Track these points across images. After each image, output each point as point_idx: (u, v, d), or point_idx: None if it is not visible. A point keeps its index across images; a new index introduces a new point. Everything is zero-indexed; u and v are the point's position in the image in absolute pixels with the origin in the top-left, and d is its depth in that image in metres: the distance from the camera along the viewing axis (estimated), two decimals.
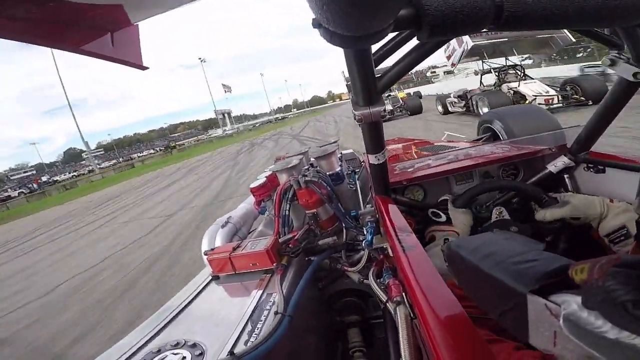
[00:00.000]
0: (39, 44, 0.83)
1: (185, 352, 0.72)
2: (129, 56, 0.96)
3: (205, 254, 1.13)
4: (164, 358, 0.72)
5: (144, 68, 1.01)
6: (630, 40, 0.78)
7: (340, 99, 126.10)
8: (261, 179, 1.51)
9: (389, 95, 19.25)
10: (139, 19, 0.89)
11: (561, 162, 1.25)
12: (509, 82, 8.71)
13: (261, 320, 0.84)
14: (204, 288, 1.05)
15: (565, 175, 1.29)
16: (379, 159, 1.04)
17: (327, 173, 1.43)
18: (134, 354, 0.75)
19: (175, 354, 0.72)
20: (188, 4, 0.87)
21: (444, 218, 1.21)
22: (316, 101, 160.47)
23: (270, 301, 0.92)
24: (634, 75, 0.84)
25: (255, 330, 0.81)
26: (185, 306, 0.95)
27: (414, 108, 12.23)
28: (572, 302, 0.35)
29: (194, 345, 0.75)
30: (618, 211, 0.97)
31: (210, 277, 1.10)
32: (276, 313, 0.85)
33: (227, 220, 1.50)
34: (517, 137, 1.99)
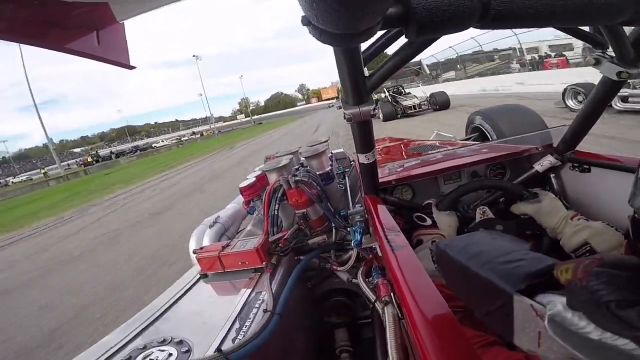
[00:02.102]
0: (24, 43, 0.81)
1: (172, 349, 0.72)
2: (116, 55, 0.93)
3: (194, 253, 1.11)
4: (150, 354, 0.71)
5: (131, 67, 0.99)
6: (614, 38, 0.78)
7: (319, 99, 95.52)
8: (250, 179, 1.50)
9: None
10: (125, 18, 0.87)
11: (547, 161, 1.27)
12: None
13: (250, 318, 0.84)
14: (191, 286, 1.04)
15: (552, 175, 1.30)
16: (368, 159, 1.04)
17: (318, 173, 1.43)
18: (119, 350, 0.74)
19: (161, 351, 0.71)
20: (174, 2, 0.86)
21: (429, 222, 1.22)
22: (282, 103, 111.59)
23: (260, 299, 0.91)
24: (618, 74, 0.83)
25: (243, 328, 0.80)
26: (172, 304, 0.93)
27: (442, 103, 12.10)
28: (557, 303, 0.35)
29: (181, 342, 0.74)
30: (577, 229, 0.98)
31: (198, 276, 1.09)
32: (265, 311, 0.84)
33: (215, 220, 1.49)
34: (504, 137, 2.01)
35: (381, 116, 12.25)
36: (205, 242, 1.33)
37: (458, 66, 22.22)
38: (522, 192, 1.17)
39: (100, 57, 0.90)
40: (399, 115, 12.20)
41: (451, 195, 1.20)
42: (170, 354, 0.70)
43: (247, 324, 0.82)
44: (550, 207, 1.08)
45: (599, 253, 0.92)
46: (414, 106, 12.17)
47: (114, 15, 0.83)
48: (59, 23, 0.79)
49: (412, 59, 0.73)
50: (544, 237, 1.10)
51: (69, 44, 0.83)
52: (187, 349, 0.72)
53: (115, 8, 0.81)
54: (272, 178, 1.42)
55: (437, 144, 2.31)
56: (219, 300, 0.97)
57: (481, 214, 1.19)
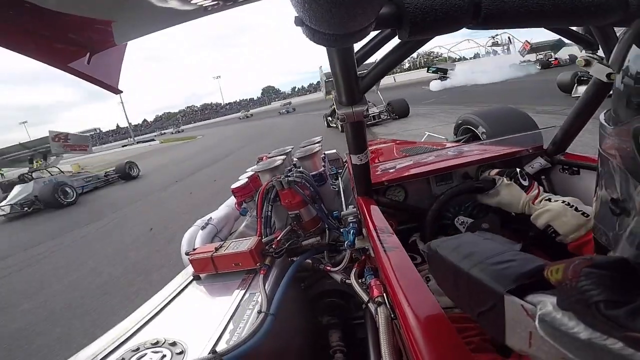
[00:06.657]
0: (21, 53, 0.74)
1: (165, 351, 0.71)
2: (104, 76, 0.84)
3: (187, 254, 1.10)
4: (143, 356, 0.70)
5: (118, 92, 0.90)
6: (604, 40, 0.78)
7: None
8: (243, 180, 1.50)
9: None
10: (124, 40, 0.79)
11: (538, 163, 1.27)
12: None
13: (244, 320, 0.83)
14: (184, 288, 1.03)
15: (542, 177, 1.30)
16: (361, 160, 1.05)
17: (311, 173, 1.43)
18: (111, 352, 0.73)
19: (155, 352, 0.70)
20: (176, 25, 0.81)
21: (419, 259, 1.19)
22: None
23: (253, 301, 0.91)
24: (608, 75, 0.81)
25: (237, 330, 0.80)
26: (165, 306, 0.92)
27: (401, 110, 11.36)
28: (547, 303, 0.35)
29: (174, 344, 0.73)
30: (538, 213, 1.02)
31: (191, 278, 1.08)
32: (259, 312, 0.84)
33: (207, 222, 1.48)
34: (495, 138, 1.98)
35: (340, 127, 10.70)
36: (198, 243, 1.32)
37: None
38: (474, 186, 1.19)
39: (87, 76, 0.82)
40: None
41: (429, 224, 1.21)
42: (164, 356, 0.70)
43: (241, 325, 0.81)
44: (509, 197, 1.10)
45: (594, 255, 0.93)
46: (374, 116, 11.35)
47: (113, 36, 0.75)
48: (57, 36, 0.73)
49: (405, 59, 0.73)
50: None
51: (63, 59, 0.76)
52: (180, 350, 0.71)
53: (117, 29, 0.73)
54: (265, 179, 1.41)
55: (429, 145, 2.30)
56: (212, 302, 0.96)
57: (460, 223, 1.20)
